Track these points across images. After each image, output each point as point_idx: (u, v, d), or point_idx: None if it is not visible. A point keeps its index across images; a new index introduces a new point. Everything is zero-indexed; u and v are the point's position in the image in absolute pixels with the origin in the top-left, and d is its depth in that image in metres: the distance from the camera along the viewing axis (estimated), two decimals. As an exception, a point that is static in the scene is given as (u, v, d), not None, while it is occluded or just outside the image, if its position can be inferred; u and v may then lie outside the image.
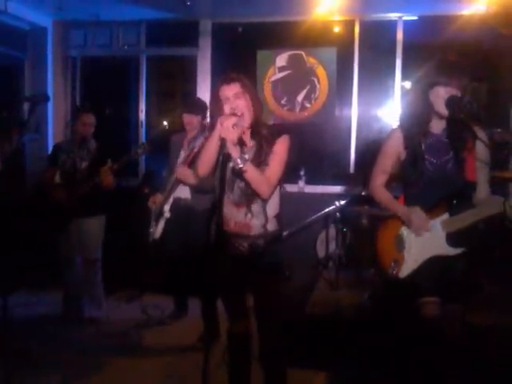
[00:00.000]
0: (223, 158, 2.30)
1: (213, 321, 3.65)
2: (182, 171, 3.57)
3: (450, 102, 2.36)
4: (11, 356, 2.80)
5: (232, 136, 2.21)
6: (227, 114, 2.29)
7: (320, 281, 4.46)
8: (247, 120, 2.39)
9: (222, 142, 2.25)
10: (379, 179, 2.64)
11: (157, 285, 4.62)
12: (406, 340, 2.73)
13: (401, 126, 2.59)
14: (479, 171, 2.45)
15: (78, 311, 4.18)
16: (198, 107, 3.82)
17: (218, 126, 2.24)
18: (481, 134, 2.43)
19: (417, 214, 2.48)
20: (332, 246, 4.74)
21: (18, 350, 3.27)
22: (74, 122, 4.20)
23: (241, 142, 2.38)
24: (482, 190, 2.47)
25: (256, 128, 2.45)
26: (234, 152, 2.25)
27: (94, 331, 4.02)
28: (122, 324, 4.18)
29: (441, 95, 2.40)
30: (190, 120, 3.77)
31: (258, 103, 2.46)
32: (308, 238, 5.08)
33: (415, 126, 2.50)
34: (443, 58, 2.50)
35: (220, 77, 2.45)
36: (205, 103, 3.94)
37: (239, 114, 2.32)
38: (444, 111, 2.40)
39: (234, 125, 2.22)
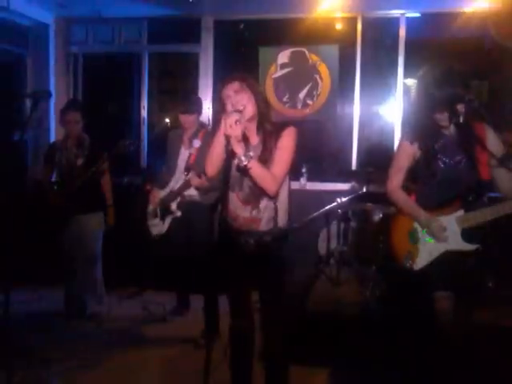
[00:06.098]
0: (227, 155, 2.30)
1: (214, 317, 3.65)
2: (195, 181, 3.70)
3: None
4: (13, 352, 2.81)
5: (236, 132, 2.20)
6: (230, 112, 2.28)
7: (321, 278, 4.46)
8: (250, 112, 2.38)
9: (227, 140, 2.25)
10: (395, 180, 2.64)
11: (159, 282, 4.63)
12: (407, 338, 2.73)
13: (408, 134, 2.61)
14: (498, 170, 2.45)
15: (79, 308, 4.18)
16: (192, 106, 3.92)
17: (222, 123, 2.24)
18: (491, 133, 2.46)
19: (438, 224, 2.51)
20: (333, 243, 4.75)
21: (19, 347, 3.28)
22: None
23: (245, 139, 2.37)
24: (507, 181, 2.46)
25: (261, 122, 2.44)
26: (239, 149, 2.24)
27: (95, 328, 4.03)
28: (123, 320, 4.20)
29: (442, 118, 2.44)
30: (186, 119, 3.90)
31: (261, 97, 2.44)
32: (310, 235, 5.08)
33: (427, 131, 2.53)
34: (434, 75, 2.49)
35: (222, 76, 2.46)
36: (200, 100, 4.15)
37: (241, 108, 2.31)
38: (447, 123, 2.45)
39: (237, 121, 2.21)
